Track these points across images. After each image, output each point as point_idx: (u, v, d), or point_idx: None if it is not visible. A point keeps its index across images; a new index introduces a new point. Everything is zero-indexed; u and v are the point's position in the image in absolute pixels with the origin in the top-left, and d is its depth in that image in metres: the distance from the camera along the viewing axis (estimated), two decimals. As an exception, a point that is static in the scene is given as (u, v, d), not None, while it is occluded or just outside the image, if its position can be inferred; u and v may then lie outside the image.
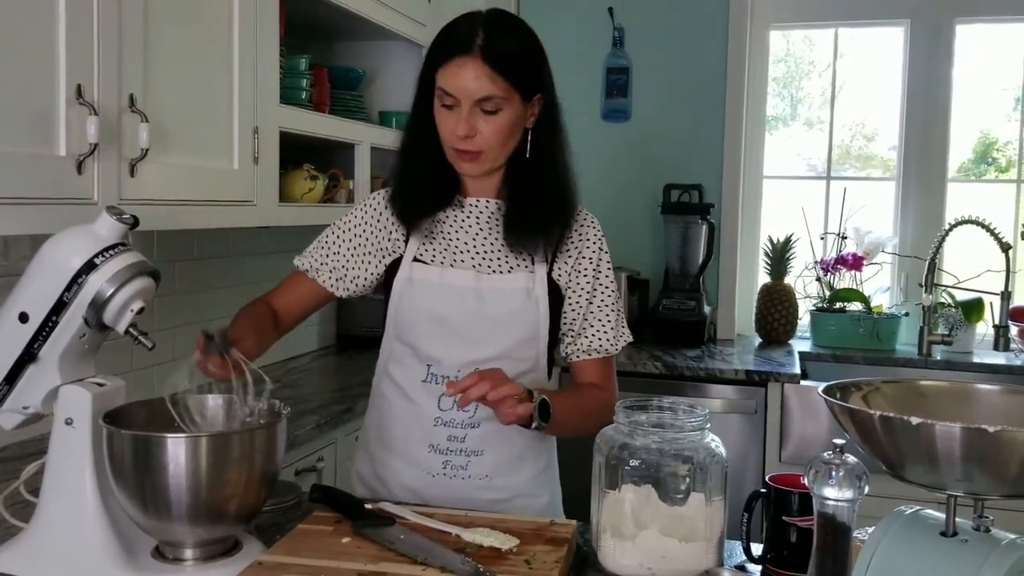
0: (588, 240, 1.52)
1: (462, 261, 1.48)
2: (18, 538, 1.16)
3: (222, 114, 1.89)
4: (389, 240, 1.52)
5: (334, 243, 1.55)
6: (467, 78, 1.35)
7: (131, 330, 1.16)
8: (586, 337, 1.52)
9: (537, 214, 1.45)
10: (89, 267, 1.12)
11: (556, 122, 1.47)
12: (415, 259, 1.49)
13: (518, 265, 1.48)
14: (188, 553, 1.13)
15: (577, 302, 1.51)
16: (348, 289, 1.54)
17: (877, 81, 3.48)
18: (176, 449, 1.07)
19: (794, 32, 3.58)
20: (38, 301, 1.14)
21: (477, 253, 1.48)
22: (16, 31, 1.36)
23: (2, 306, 1.17)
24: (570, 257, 1.51)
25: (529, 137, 1.44)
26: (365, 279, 1.54)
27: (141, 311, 1.17)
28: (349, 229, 1.55)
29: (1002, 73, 3.36)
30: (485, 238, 1.49)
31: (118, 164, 1.55)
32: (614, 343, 1.52)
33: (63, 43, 1.42)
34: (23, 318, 1.14)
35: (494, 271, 1.48)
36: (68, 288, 1.13)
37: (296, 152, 2.33)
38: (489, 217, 1.50)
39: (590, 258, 1.52)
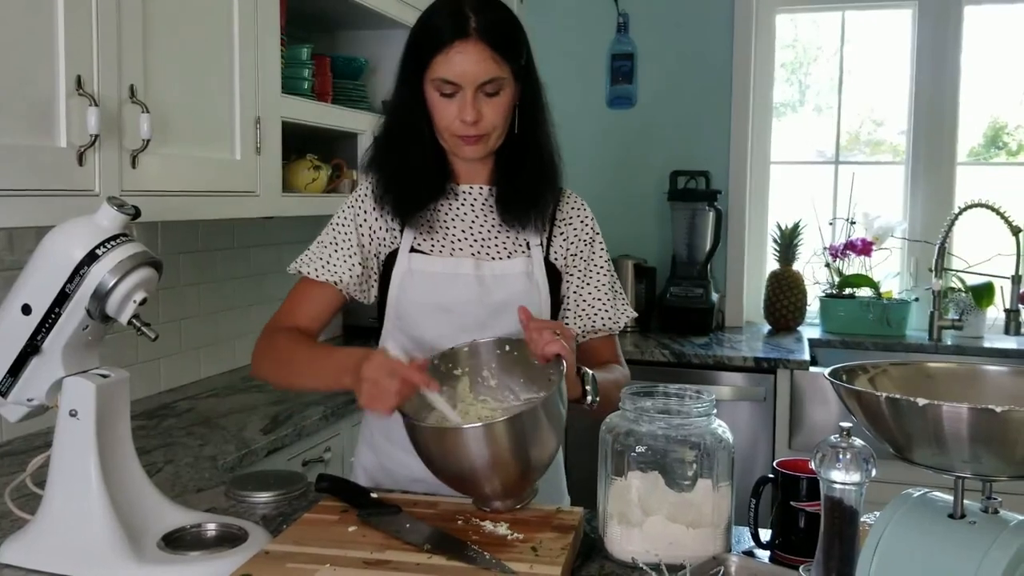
0: (581, 220, 1.53)
1: (461, 249, 1.47)
2: (25, 530, 1.17)
3: (223, 104, 1.89)
4: (386, 232, 1.49)
5: (343, 244, 1.48)
6: (469, 62, 1.32)
7: (134, 321, 1.16)
8: (587, 317, 1.51)
9: (529, 191, 1.44)
10: (91, 258, 1.12)
11: (540, 96, 1.45)
12: (412, 250, 1.47)
13: (516, 250, 1.48)
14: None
15: (572, 282, 1.51)
16: (365, 292, 1.51)
17: (885, 66, 3.45)
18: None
19: (801, 16, 3.56)
20: (40, 293, 1.13)
21: (475, 240, 1.48)
22: (15, 22, 1.36)
23: (5, 299, 1.17)
24: (564, 238, 1.51)
25: (517, 114, 1.42)
26: (372, 277, 1.51)
27: (144, 302, 1.17)
28: (350, 231, 1.49)
29: (1012, 57, 3.32)
30: (482, 225, 1.48)
31: (119, 155, 1.55)
32: (616, 320, 1.53)
33: (62, 34, 1.42)
34: (26, 310, 1.14)
35: (494, 257, 1.47)
36: (70, 279, 1.12)
37: (299, 142, 2.32)
38: (483, 204, 1.49)
39: (583, 239, 1.52)
